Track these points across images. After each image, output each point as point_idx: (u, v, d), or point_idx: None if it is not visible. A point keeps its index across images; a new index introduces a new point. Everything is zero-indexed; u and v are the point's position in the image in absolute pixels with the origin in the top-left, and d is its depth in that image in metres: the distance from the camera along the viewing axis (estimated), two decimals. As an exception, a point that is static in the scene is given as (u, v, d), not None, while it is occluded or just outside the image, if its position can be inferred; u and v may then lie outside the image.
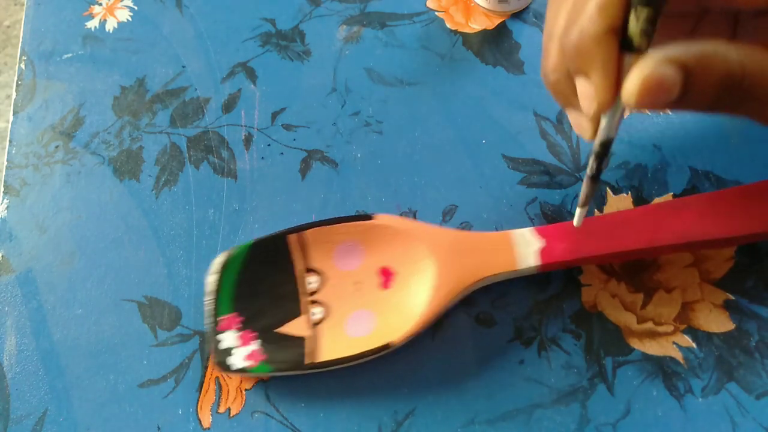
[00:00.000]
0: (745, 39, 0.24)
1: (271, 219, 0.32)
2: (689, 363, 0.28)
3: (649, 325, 0.28)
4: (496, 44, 0.36)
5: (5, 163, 0.35)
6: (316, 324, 0.28)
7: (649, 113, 0.33)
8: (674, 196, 0.31)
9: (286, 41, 0.37)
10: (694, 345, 0.28)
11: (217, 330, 0.28)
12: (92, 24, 0.39)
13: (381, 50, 0.37)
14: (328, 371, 0.28)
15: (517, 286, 0.29)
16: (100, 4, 0.40)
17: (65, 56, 0.38)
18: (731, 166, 0.31)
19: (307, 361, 0.27)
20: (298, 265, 0.29)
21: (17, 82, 0.37)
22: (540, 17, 0.37)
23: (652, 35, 0.19)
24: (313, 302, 0.29)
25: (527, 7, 0.37)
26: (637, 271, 0.29)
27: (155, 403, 0.28)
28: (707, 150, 0.32)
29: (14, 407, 0.29)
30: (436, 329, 0.29)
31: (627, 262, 0.29)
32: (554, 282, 0.29)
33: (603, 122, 0.22)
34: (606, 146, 0.22)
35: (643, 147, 0.32)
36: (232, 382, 0.29)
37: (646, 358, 0.28)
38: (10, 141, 0.35)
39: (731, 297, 0.29)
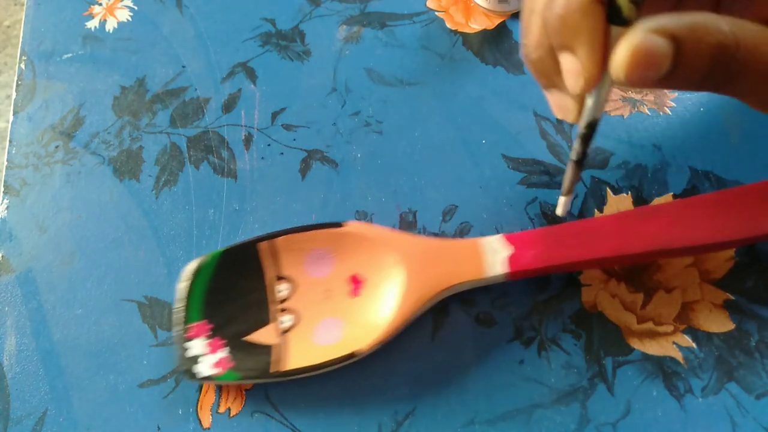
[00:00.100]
0: (727, 14, 0.24)
1: (271, 219, 0.32)
2: (689, 363, 0.27)
3: (649, 325, 0.28)
4: (496, 44, 0.36)
5: (5, 163, 0.35)
6: (286, 332, 0.28)
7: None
8: (674, 196, 0.31)
9: (286, 41, 0.37)
10: (694, 345, 0.28)
11: (186, 337, 0.28)
12: (92, 24, 0.39)
13: (381, 50, 0.37)
14: (328, 371, 0.28)
15: (518, 286, 0.29)
16: (100, 4, 0.40)
17: (65, 56, 0.38)
18: (731, 166, 0.31)
19: (272, 369, 0.27)
20: (269, 273, 0.29)
21: (17, 82, 0.37)
22: (540, 17, 0.37)
23: (641, 4, 0.18)
24: (283, 310, 0.29)
25: (527, 7, 0.37)
26: (637, 271, 0.29)
27: (155, 403, 0.28)
28: (707, 150, 0.32)
29: (14, 407, 0.29)
30: (436, 329, 0.29)
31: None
32: (554, 282, 0.29)
33: (589, 101, 0.21)
34: (592, 127, 0.22)
35: (643, 147, 0.32)
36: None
37: (646, 358, 0.28)
38: (10, 141, 0.35)
39: (731, 297, 0.29)
